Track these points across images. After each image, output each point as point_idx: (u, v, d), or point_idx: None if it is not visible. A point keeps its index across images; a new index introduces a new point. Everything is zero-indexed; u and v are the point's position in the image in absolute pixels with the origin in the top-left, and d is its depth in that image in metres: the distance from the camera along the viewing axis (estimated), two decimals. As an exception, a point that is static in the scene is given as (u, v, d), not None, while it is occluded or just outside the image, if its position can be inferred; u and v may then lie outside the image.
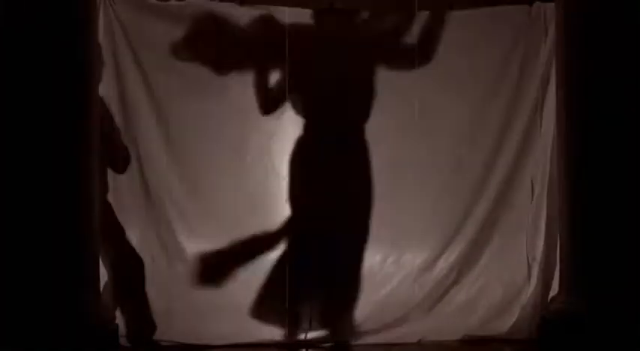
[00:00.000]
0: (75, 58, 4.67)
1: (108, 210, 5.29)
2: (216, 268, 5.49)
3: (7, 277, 4.51)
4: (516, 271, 5.64)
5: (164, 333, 5.36)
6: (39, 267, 4.54)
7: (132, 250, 5.40)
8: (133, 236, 5.42)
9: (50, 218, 4.58)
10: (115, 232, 5.34)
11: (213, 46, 5.53)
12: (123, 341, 5.07)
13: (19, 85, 4.57)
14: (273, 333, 5.46)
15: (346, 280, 5.57)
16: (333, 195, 5.56)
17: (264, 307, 5.48)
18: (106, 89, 5.28)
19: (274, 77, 5.58)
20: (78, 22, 4.72)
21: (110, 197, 5.36)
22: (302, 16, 5.61)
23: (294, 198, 5.57)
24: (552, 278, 5.46)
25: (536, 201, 5.63)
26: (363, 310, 5.57)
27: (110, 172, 5.37)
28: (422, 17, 5.63)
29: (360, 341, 5.51)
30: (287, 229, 5.56)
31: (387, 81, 5.63)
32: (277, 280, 5.49)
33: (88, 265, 4.75)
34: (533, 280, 5.58)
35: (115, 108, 5.41)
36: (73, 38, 4.68)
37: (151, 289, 5.41)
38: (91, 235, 4.79)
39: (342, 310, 5.55)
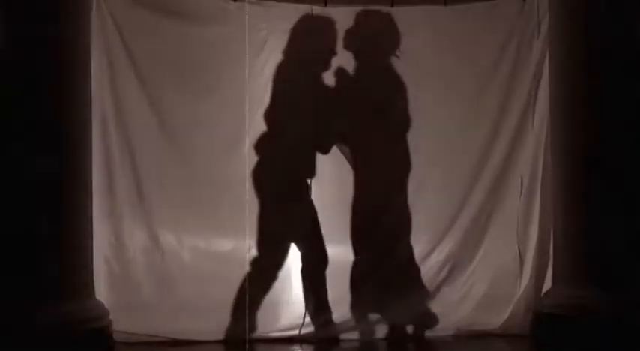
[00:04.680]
0: (67, 51, 4.67)
1: None
2: None
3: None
4: (509, 265, 5.65)
5: (155, 328, 5.33)
6: (28, 261, 4.53)
7: None
8: (127, 231, 5.40)
9: (40, 212, 4.57)
10: None
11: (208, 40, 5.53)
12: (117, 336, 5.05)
13: (11, 78, 4.56)
14: (265, 328, 5.46)
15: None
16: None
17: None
18: (99, 84, 5.24)
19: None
20: (71, 16, 4.71)
21: (104, 192, 5.34)
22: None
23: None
24: (545, 273, 5.48)
25: (528, 196, 5.64)
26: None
27: (103, 169, 5.35)
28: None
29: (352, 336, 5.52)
30: None
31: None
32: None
33: (81, 260, 4.75)
34: (526, 275, 5.59)
35: (108, 103, 5.38)
36: (66, 32, 4.67)
37: (145, 284, 5.41)
38: (85, 230, 4.80)
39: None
